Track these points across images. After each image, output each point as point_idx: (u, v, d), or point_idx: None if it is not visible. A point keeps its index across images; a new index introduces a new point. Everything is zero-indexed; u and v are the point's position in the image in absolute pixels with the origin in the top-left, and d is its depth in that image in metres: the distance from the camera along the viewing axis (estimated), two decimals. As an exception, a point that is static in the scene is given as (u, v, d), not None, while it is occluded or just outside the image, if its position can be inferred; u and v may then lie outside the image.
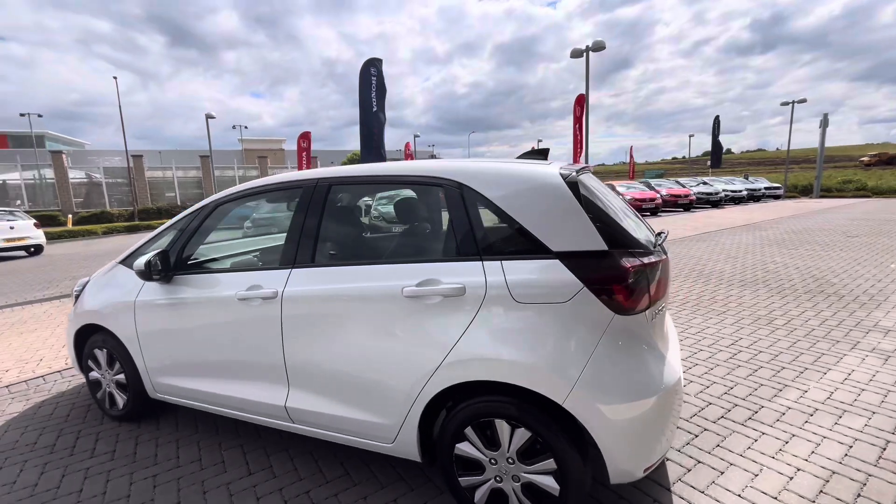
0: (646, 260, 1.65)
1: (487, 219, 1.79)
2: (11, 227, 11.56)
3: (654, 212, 17.31)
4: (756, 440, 2.30)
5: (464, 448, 1.77)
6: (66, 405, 3.12)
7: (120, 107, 25.73)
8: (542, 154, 2.35)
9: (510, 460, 1.71)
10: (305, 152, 19.75)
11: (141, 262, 2.30)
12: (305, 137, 19.94)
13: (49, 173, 26.80)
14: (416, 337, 1.79)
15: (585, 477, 1.62)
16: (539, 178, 1.77)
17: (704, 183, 22.31)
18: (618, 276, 1.57)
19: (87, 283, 2.96)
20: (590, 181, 1.93)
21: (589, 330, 1.58)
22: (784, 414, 2.55)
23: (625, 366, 1.59)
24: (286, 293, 2.05)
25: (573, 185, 1.72)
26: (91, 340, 2.84)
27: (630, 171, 32.79)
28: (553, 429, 1.60)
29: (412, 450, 1.88)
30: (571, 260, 1.61)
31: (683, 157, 57.18)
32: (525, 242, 1.69)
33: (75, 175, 28.12)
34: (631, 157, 34.13)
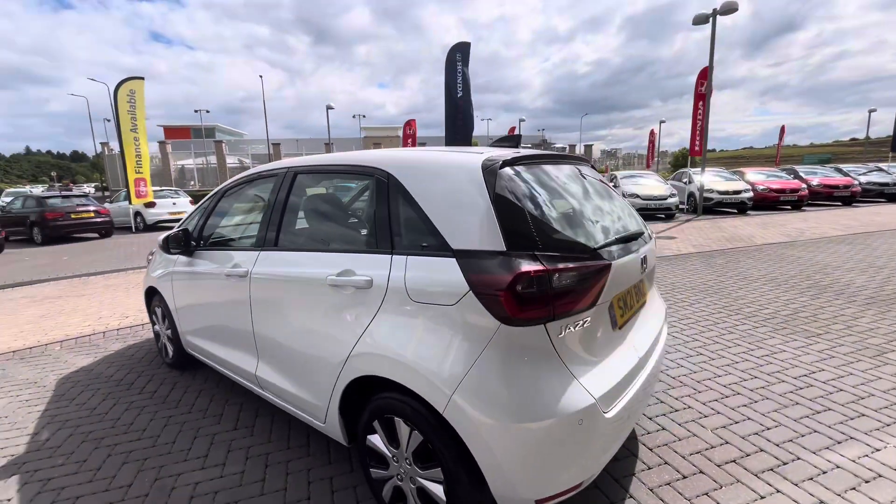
0: (552, 265, 1.42)
1: (406, 211, 1.71)
2: (174, 203, 14.43)
3: (797, 205, 14.33)
4: None
5: (374, 441, 1.77)
6: (145, 349, 3.87)
7: (264, 101, 29.99)
8: (513, 141, 2.15)
9: (408, 461, 1.65)
10: (411, 139, 20.69)
11: (162, 237, 2.72)
12: (410, 125, 20.87)
13: (213, 159, 32.62)
14: (335, 325, 1.81)
15: (472, 496, 1.49)
16: (454, 170, 1.63)
17: (879, 170, 17.67)
18: (504, 280, 1.37)
19: (155, 252, 3.60)
20: (530, 172, 1.70)
21: (473, 338, 1.43)
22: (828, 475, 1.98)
23: (512, 382, 1.40)
24: (253, 273, 2.24)
25: (490, 178, 1.54)
26: (154, 299, 3.46)
27: (777, 155, 27.49)
28: (441, 437, 1.50)
29: (338, 432, 1.93)
30: (465, 260, 1.47)
31: (867, 139, 45.46)
32: (431, 238, 1.58)
33: (231, 161, 33.73)
34: (781, 138, 28.57)
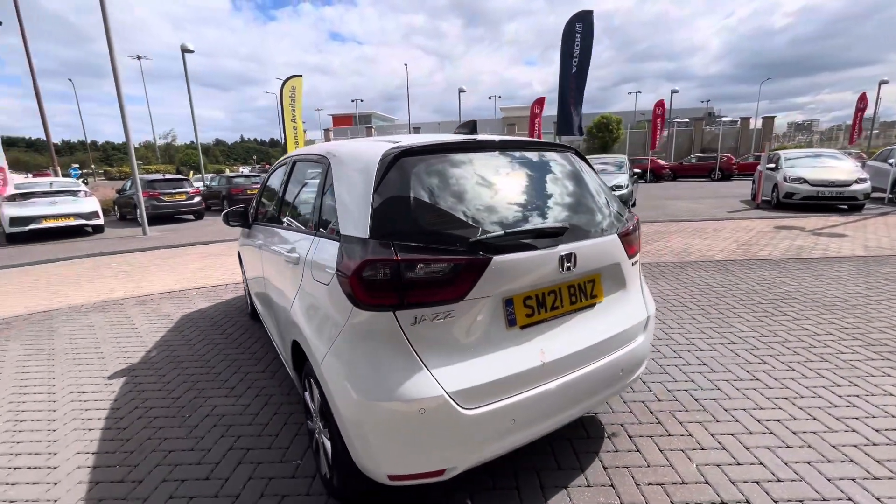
0: (404, 255, 1.43)
1: (328, 197, 1.88)
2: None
3: None
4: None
5: (306, 397, 2.04)
6: (246, 301, 4.86)
7: (408, 88, 32.42)
8: (467, 127, 2.11)
9: (317, 416, 1.88)
10: (538, 119, 20.04)
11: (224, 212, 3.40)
12: (539, 103, 20.14)
13: (364, 143, 36.87)
14: (286, 296, 2.12)
15: (346, 460, 1.64)
16: (361, 160, 1.72)
17: None
18: (353, 266, 1.46)
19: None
20: (434, 162, 1.68)
21: (336, 316, 1.56)
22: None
23: (361, 362, 1.48)
24: (263, 244, 2.70)
25: (381, 168, 1.61)
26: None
27: None
28: (328, 402, 1.68)
29: (297, 384, 2.26)
30: (342, 244, 1.59)
31: None
32: (335, 223, 1.73)
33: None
34: None
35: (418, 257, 1.45)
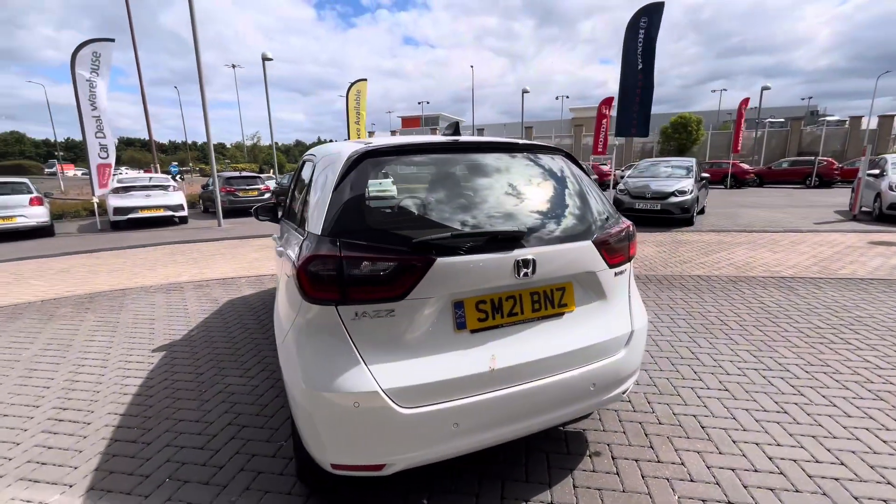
0: (347, 253, 1.48)
1: (309, 195, 1.98)
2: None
3: None
4: None
5: (287, 382, 2.17)
6: (283, 291, 5.22)
7: (473, 90, 32.65)
8: (451, 129, 2.12)
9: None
10: (605, 119, 19.16)
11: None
12: (607, 103, 19.21)
13: (429, 144, 37.57)
14: (279, 285, 2.27)
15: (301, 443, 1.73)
16: (332, 160, 1.80)
17: None
18: (300, 260, 1.53)
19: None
20: (397, 163, 1.72)
21: (292, 308, 1.65)
22: None
23: (306, 351, 1.55)
24: (277, 237, 2.90)
25: (345, 168, 1.67)
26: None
27: None
28: None
29: None
30: (304, 240, 1.67)
31: None
32: (307, 220, 1.83)
33: (442, 145, 38.07)
34: None
35: (361, 255, 1.49)
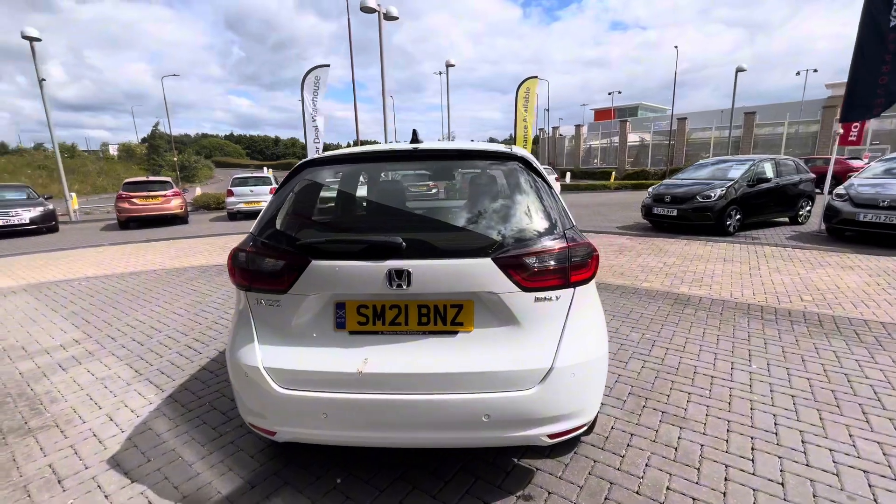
0: (253, 248, 1.77)
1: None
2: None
3: None
4: None
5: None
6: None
7: (675, 73, 28.36)
8: (413, 136, 2.17)
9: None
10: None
11: None
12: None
13: (616, 138, 34.57)
14: None
15: None
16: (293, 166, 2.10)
17: None
18: (231, 252, 1.86)
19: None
20: (329, 172, 1.90)
21: None
22: None
23: (232, 323, 1.90)
24: None
25: (290, 175, 1.96)
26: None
27: None
28: None
29: None
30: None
31: None
32: None
33: (632, 138, 34.48)
34: None
35: (260, 252, 1.76)
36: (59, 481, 2.07)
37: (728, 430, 2.29)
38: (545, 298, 1.68)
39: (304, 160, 1.98)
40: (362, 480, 2.02)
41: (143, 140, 56.44)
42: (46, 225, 11.91)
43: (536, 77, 16.71)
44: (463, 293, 1.66)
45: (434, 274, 1.64)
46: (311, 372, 1.68)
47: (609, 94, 39.98)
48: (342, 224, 1.79)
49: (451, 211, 1.83)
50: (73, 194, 16.56)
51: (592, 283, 1.84)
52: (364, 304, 1.70)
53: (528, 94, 16.58)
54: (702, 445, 2.18)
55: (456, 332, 1.68)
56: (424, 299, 1.68)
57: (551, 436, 1.71)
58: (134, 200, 12.41)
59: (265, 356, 1.75)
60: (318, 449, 2.22)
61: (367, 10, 13.15)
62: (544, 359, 1.65)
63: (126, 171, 42.26)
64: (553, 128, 43.30)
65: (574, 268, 1.71)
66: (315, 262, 1.68)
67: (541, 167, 1.98)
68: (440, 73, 60.41)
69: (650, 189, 9.57)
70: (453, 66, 19.50)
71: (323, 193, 2.01)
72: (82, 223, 15.20)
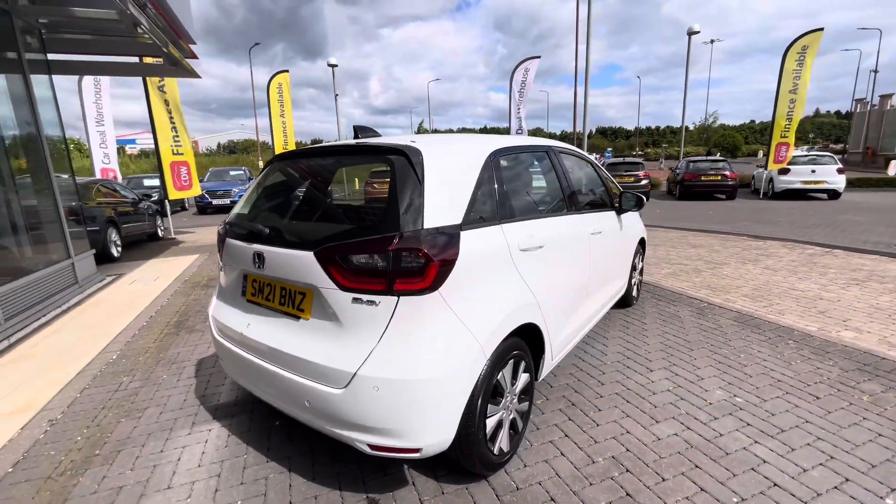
0: (220, 229, 2.26)
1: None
2: (812, 171, 12.58)
3: None
4: None
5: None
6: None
7: None
8: (366, 131, 2.27)
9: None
10: None
11: None
12: None
13: None
14: None
15: None
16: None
17: None
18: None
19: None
20: (287, 165, 2.23)
21: None
22: None
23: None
24: None
25: (264, 166, 2.40)
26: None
27: None
28: None
29: None
30: None
31: None
32: None
33: None
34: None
35: (220, 231, 2.25)
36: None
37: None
38: (363, 301, 1.59)
39: (279, 154, 2.39)
40: (304, 453, 2.35)
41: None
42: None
43: (822, 29, 11.91)
44: (302, 282, 1.75)
45: (280, 261, 1.80)
46: (224, 325, 2.12)
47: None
48: (252, 212, 2.14)
49: (315, 204, 1.91)
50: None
51: (438, 295, 1.58)
52: (255, 278, 2.00)
53: (804, 56, 12.01)
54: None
55: (298, 318, 1.79)
56: (286, 283, 1.84)
57: (372, 446, 1.63)
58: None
59: (213, 307, 2.30)
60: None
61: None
62: (352, 363, 1.58)
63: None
64: (881, 97, 30.37)
65: (400, 274, 1.53)
66: (227, 240, 2.10)
67: (441, 162, 1.74)
68: (711, 41, 50.67)
69: None
70: (696, 33, 15.97)
71: (265, 183, 2.34)
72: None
